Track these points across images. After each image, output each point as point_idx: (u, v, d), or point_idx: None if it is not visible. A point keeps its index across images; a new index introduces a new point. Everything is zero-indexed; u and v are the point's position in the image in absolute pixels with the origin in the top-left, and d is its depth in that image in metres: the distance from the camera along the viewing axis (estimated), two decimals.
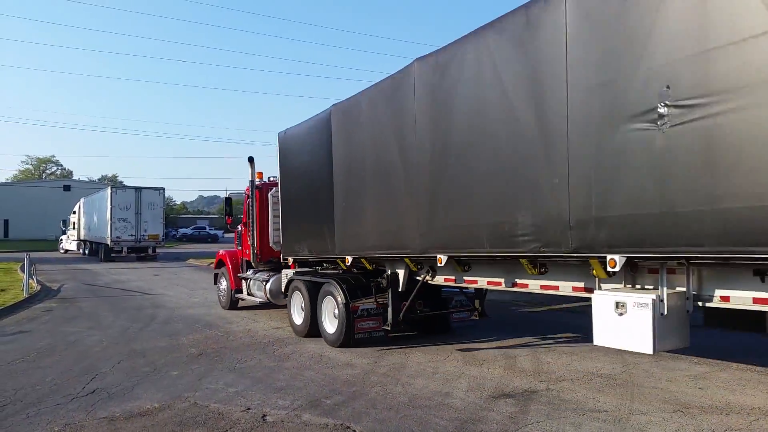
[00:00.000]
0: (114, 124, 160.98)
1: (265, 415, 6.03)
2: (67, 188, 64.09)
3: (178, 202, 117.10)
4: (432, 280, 8.22)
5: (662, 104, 4.71)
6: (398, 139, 8.02)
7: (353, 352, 8.86)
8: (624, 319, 5.21)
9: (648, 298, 5.07)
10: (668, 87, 4.68)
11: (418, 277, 8.51)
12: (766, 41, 4.11)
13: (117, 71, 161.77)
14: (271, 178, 13.12)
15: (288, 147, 11.37)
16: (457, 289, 9.22)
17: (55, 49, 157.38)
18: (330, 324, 9.50)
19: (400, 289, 8.81)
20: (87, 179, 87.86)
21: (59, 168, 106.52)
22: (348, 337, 9.03)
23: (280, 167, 11.66)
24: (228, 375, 7.80)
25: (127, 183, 35.04)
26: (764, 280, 4.65)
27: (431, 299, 9.23)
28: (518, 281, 6.88)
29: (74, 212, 38.29)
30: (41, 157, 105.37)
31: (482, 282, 7.48)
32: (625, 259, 5.12)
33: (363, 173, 8.89)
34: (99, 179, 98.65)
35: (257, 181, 12.95)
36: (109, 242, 29.06)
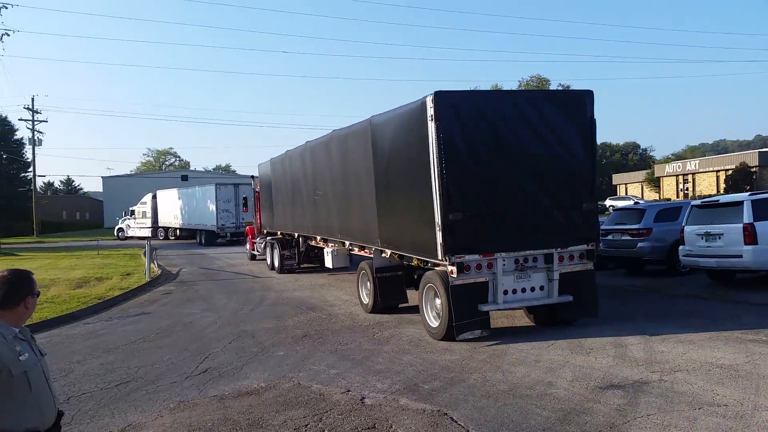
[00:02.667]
0: (228, 117, 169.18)
1: (363, 398, 6.10)
2: (184, 178, 68.24)
3: None
4: (313, 242, 16.85)
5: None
6: (301, 177, 16.07)
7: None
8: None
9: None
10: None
11: (309, 242, 17.34)
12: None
13: (228, 65, 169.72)
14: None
15: (261, 173, 21.56)
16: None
17: (170, 47, 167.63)
18: (276, 262, 19.17)
19: (300, 249, 18.53)
20: (203, 169, 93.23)
21: (177, 159, 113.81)
22: (281, 268, 18.82)
23: (260, 185, 22.10)
24: (330, 357, 7.98)
25: (239, 172, 37.94)
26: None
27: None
28: (353, 252, 13.37)
29: (144, 203, 44.80)
30: (161, 149, 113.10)
31: (336, 247, 14.38)
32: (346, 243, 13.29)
33: (285, 193, 18.05)
34: (213, 169, 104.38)
35: (257, 188, 23.06)
36: (216, 229, 33.96)
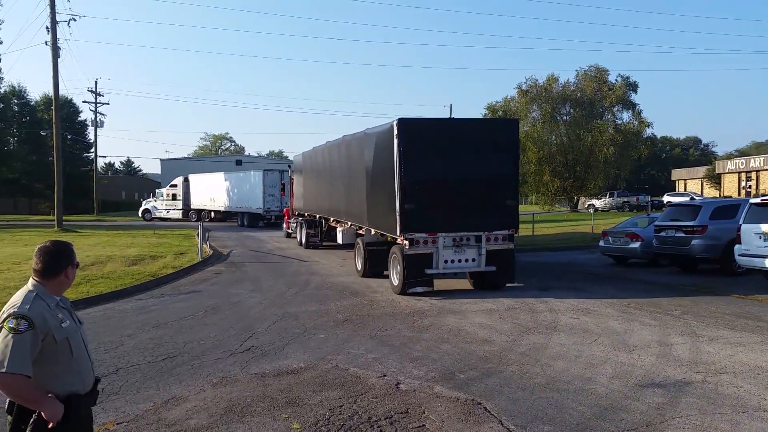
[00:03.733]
0: (281, 103, 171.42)
1: (399, 383, 6.17)
2: (238, 163, 69.84)
3: None
4: (331, 224, 20.06)
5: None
6: (322, 169, 19.79)
7: (493, 329, 8.76)
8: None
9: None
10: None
11: (329, 223, 20.46)
12: None
13: (285, 52, 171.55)
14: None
15: (295, 163, 26.57)
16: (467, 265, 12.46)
17: (228, 33, 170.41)
18: (303, 239, 22.55)
19: (323, 228, 21.51)
20: (257, 154, 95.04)
21: (233, 144, 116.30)
22: (306, 244, 22.24)
23: (294, 173, 26.53)
24: (369, 342, 8.08)
25: (291, 157, 38.71)
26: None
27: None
28: (359, 231, 16.03)
29: (174, 185, 46.13)
30: (217, 134, 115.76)
31: (345, 227, 17.74)
32: (349, 223, 17.09)
33: (311, 181, 21.93)
34: (267, 154, 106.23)
35: (292, 176, 27.02)
36: (261, 211, 36.65)
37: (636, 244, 16.21)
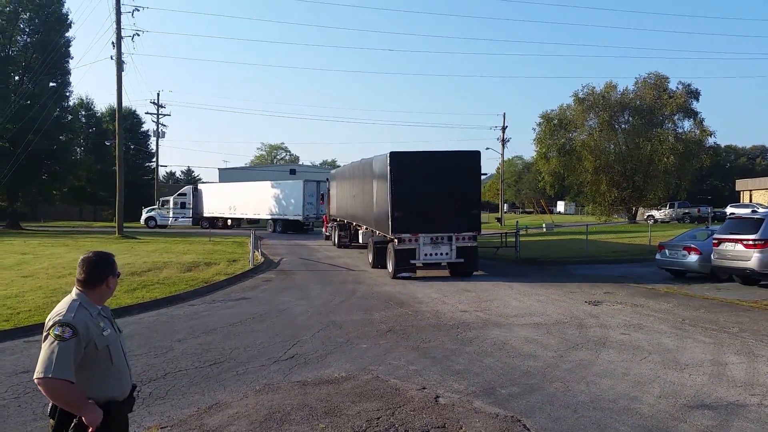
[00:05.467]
0: (336, 114, 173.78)
1: (438, 397, 6.13)
2: (292, 172, 70.98)
3: None
4: (355, 227, 24.23)
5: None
6: (347, 183, 24.68)
7: (539, 343, 8.59)
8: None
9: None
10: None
11: (354, 227, 24.43)
12: None
13: (341, 64, 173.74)
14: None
15: (331, 176, 31.58)
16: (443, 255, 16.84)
17: (281, 46, 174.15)
18: (336, 240, 27.29)
19: (351, 231, 25.39)
20: (310, 164, 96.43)
21: (288, 154, 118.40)
22: (339, 244, 26.94)
23: (330, 184, 30.75)
24: (411, 353, 8.06)
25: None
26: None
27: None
28: (375, 234, 19.14)
29: (183, 194, 47.92)
30: (273, 144, 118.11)
31: (363, 230, 21.94)
32: (365, 227, 21.71)
33: (341, 192, 26.65)
34: (320, 164, 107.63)
35: (329, 187, 31.29)
36: (301, 218, 40.07)
37: (694, 258, 15.62)
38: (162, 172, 75.24)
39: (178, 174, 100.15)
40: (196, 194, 47.83)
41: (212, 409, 5.97)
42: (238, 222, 47.15)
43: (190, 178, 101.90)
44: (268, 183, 44.44)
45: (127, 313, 11.31)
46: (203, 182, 50.91)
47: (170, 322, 10.56)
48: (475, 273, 17.32)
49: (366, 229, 21.00)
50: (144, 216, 49.22)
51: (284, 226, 40.81)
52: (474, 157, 17.12)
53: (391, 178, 16.20)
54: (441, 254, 16.53)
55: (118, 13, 31.58)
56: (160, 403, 6.16)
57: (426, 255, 16.40)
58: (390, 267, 16.79)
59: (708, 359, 7.64)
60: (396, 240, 16.28)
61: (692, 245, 15.89)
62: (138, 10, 32.89)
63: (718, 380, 6.69)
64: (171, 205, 47.66)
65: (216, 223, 45.99)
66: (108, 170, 62.26)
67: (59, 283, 14.07)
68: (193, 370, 7.37)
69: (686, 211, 48.50)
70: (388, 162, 16.30)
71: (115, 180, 33.39)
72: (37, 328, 9.71)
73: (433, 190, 16.27)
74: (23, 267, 17.60)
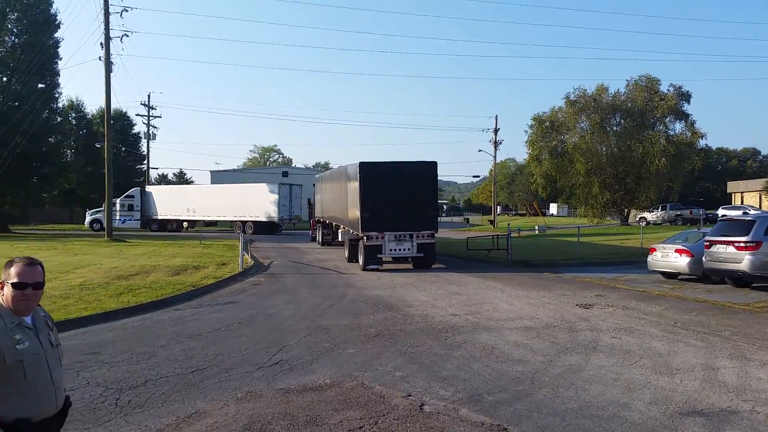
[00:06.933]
0: (330, 116, 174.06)
1: (423, 405, 5.97)
2: (284, 174, 70.84)
3: None
4: (336, 226, 26.00)
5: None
6: (328, 187, 28.00)
7: (528, 348, 8.46)
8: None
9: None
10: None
11: (337, 228, 25.66)
12: None
13: (333, 65, 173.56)
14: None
15: (317, 180, 33.66)
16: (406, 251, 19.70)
17: (274, 47, 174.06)
18: (320, 238, 30.67)
19: (333, 230, 27.48)
20: (303, 166, 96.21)
21: (280, 156, 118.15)
22: (322, 242, 30.13)
23: (314, 192, 33.51)
24: (398, 358, 7.90)
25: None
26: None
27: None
28: (350, 232, 21.82)
29: (130, 196, 47.85)
30: (266, 146, 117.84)
31: (342, 229, 23.86)
32: (342, 226, 24.11)
33: (323, 195, 29.81)
34: (313, 166, 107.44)
35: (315, 191, 33.39)
36: (276, 220, 41.65)
37: (685, 260, 15.54)
38: (154, 174, 74.79)
39: (170, 176, 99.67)
40: (145, 196, 47.78)
41: (191, 418, 5.79)
42: (193, 224, 48.63)
43: (182, 180, 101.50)
44: (240, 185, 46.11)
45: (112, 318, 11.11)
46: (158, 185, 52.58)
47: (154, 327, 10.36)
48: (465, 275, 17.25)
49: (344, 228, 23.28)
50: (89, 218, 48.41)
51: (256, 228, 41.42)
52: (431, 167, 19.90)
53: (360, 183, 19.05)
54: (404, 249, 19.25)
55: (107, 14, 31.34)
56: (139, 411, 5.97)
57: (391, 250, 19.14)
58: (360, 260, 19.51)
59: (700, 364, 7.52)
60: (365, 237, 18.99)
61: (684, 247, 15.82)
62: (127, 11, 32.70)
63: (710, 386, 6.57)
64: (118, 207, 46.17)
65: (167, 225, 46.47)
66: (99, 172, 61.65)
67: (44, 288, 13.81)
68: (175, 377, 7.19)
69: (678, 213, 48.62)
70: (358, 171, 19.25)
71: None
72: None
73: (396, 195, 19.01)
74: None
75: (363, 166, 19.29)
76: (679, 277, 16.48)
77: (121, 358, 8.03)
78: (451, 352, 8.22)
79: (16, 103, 38.35)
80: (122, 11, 33.15)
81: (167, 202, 46.88)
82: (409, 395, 6.28)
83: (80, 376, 7.15)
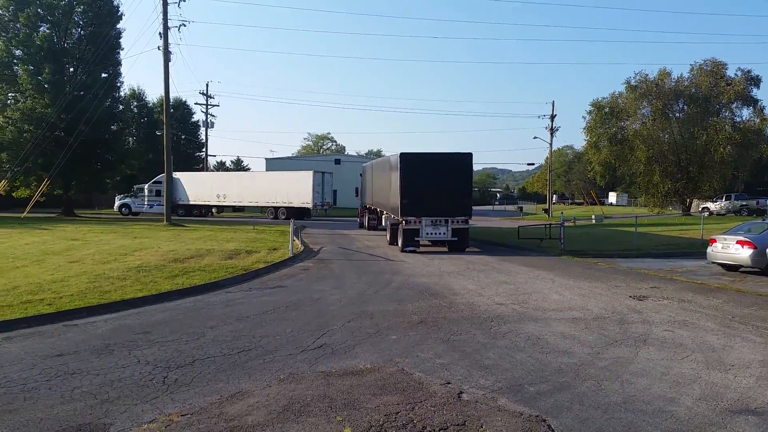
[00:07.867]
0: (380, 103, 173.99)
1: (461, 393, 5.92)
2: (337, 162, 71.47)
3: None
4: (380, 213, 28.69)
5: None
6: (372, 175, 30.12)
7: (576, 339, 8.27)
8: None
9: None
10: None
11: (381, 214, 28.49)
12: None
13: (386, 53, 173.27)
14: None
15: (364, 169, 35.14)
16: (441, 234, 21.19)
17: (329, 36, 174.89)
18: (366, 223, 32.75)
19: (378, 215, 29.98)
20: (356, 153, 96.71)
21: (333, 144, 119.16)
22: (368, 226, 32.39)
23: (363, 176, 35.44)
24: (440, 346, 7.87)
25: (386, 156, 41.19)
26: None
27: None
28: (391, 217, 23.81)
29: (158, 182, 47.07)
30: (319, 134, 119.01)
31: (385, 214, 26.10)
32: (385, 212, 26.39)
33: (369, 183, 31.47)
34: (366, 154, 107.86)
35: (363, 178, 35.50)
36: (310, 206, 43.08)
37: (747, 252, 14.86)
38: (212, 161, 76.84)
39: (228, 163, 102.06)
40: (173, 182, 48.54)
41: (234, 397, 5.93)
42: (221, 209, 50.85)
43: (239, 167, 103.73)
44: (276, 172, 48.07)
45: (166, 299, 11.50)
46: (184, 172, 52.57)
47: (205, 309, 10.65)
48: (514, 265, 16.98)
49: (387, 213, 25.14)
50: (117, 203, 49.86)
51: (289, 213, 41.85)
52: (466, 158, 21.16)
53: (401, 173, 20.74)
54: (440, 233, 20.84)
55: (165, 4, 32.13)
56: (185, 389, 6.16)
57: (428, 234, 20.79)
58: (399, 243, 21.40)
59: (757, 360, 7.19)
60: (404, 221, 20.72)
61: (746, 239, 15.12)
62: (184, 0, 33.39)
63: (766, 383, 6.27)
64: (146, 192, 47.87)
65: (193, 210, 47.56)
66: (159, 159, 63.70)
67: (103, 269, 14.42)
68: (221, 357, 7.37)
69: (744, 203, 46.47)
70: (399, 161, 20.92)
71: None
72: (77, 313, 9.97)
73: (433, 183, 20.60)
74: (71, 253, 18.13)
75: (404, 156, 20.83)
76: (741, 269, 15.78)
77: (171, 338, 8.30)
78: (494, 342, 8.12)
79: (81, 93, 39.91)
80: (180, 1, 33.89)
81: (195, 189, 47.87)
82: (449, 383, 6.24)
83: (131, 355, 7.43)
